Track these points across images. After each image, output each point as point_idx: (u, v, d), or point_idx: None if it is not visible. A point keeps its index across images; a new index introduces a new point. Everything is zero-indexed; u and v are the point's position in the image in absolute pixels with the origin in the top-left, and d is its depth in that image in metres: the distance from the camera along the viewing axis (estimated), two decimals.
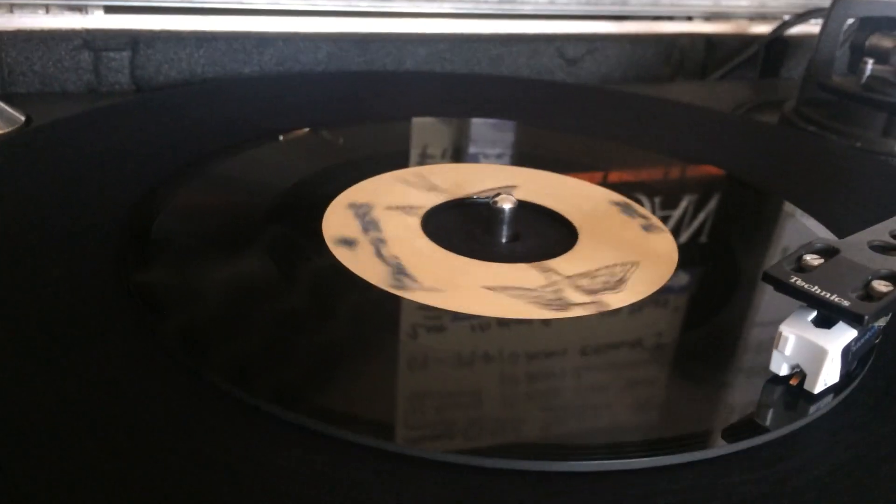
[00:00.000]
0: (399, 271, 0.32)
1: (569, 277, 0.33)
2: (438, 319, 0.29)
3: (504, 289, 0.32)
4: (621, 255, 0.35)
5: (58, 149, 0.41)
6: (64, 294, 0.29)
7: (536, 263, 0.34)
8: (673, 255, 0.36)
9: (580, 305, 0.31)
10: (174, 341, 0.26)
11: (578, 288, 0.32)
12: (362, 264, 0.32)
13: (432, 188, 0.40)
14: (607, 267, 0.34)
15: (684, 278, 0.34)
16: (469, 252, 0.34)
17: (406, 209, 0.38)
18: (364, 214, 0.36)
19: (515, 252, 0.36)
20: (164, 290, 0.30)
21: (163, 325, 0.27)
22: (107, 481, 0.20)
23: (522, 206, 0.38)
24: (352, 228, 0.35)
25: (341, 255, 0.33)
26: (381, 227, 0.36)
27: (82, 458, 0.21)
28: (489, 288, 0.32)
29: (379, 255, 0.33)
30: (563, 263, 0.34)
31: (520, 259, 0.34)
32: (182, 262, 0.32)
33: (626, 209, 0.41)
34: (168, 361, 0.25)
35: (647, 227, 0.39)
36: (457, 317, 0.30)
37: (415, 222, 0.37)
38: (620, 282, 0.33)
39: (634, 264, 0.35)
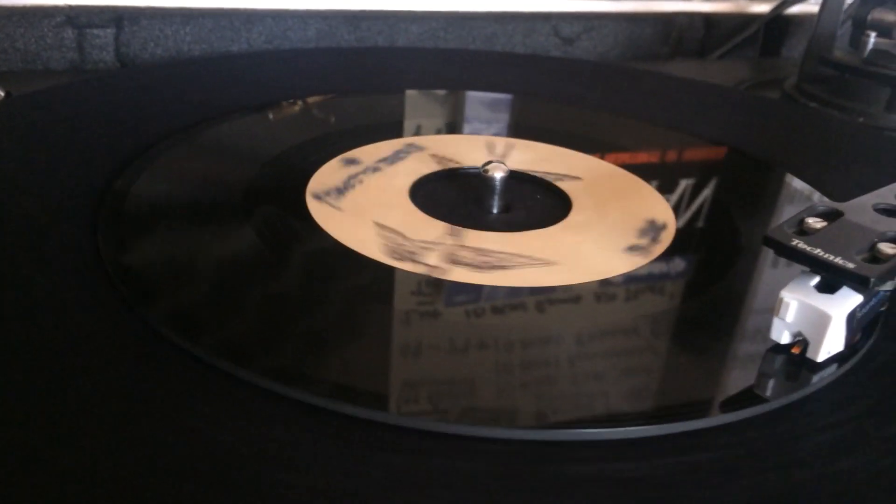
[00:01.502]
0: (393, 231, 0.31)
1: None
2: (477, 295, 0.29)
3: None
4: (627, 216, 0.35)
5: (36, 121, 0.40)
6: (39, 269, 0.27)
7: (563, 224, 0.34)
8: (667, 214, 0.36)
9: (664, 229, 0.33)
10: (164, 320, 0.25)
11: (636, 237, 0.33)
12: (347, 229, 0.31)
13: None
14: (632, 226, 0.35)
15: (684, 248, 0.33)
16: (456, 219, 0.34)
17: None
18: (351, 167, 0.35)
19: (525, 219, 0.35)
20: (147, 267, 0.28)
21: (151, 305, 0.26)
22: (97, 469, 0.19)
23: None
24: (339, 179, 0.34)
25: (325, 210, 0.32)
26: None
27: (68, 445, 0.20)
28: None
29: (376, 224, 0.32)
30: (586, 222, 0.34)
31: (537, 225, 0.34)
32: (162, 238, 0.31)
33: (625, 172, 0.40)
34: (159, 342, 0.24)
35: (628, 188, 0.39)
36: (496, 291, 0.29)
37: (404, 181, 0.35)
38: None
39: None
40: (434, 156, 0.40)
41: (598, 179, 0.39)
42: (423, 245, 0.31)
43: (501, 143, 0.43)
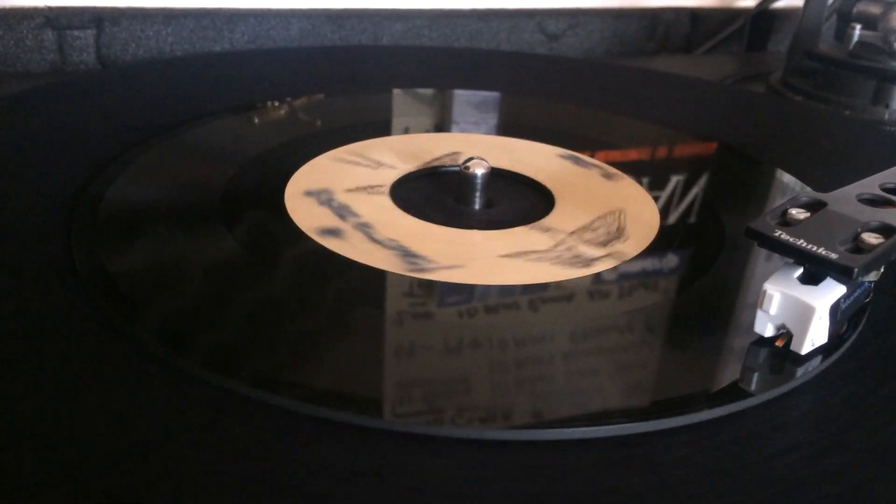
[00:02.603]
0: (406, 253, 0.30)
1: (572, 234, 0.32)
2: (470, 295, 0.28)
3: (520, 254, 0.30)
4: (603, 206, 0.35)
5: (15, 124, 0.39)
6: (11, 278, 0.27)
7: (533, 225, 0.33)
8: (650, 204, 0.35)
9: (600, 259, 0.30)
10: (144, 331, 0.24)
11: (587, 242, 0.32)
12: (363, 252, 0.30)
13: (378, 164, 0.38)
14: (599, 218, 0.34)
15: (669, 244, 0.32)
16: (458, 223, 0.33)
17: (367, 189, 0.35)
18: (329, 201, 0.34)
19: (502, 217, 0.34)
20: (123, 272, 0.28)
21: (128, 316, 0.25)
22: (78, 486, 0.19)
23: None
24: (327, 217, 0.32)
25: (333, 245, 0.30)
26: (356, 210, 0.33)
27: (44, 463, 0.19)
28: (507, 256, 0.30)
29: (373, 240, 0.31)
30: (557, 221, 0.33)
31: (511, 223, 0.33)
32: (138, 244, 0.30)
33: (577, 161, 0.40)
34: (140, 353, 0.23)
35: (608, 176, 0.39)
36: (488, 290, 0.28)
37: (386, 200, 0.34)
38: (620, 230, 0.33)
39: (621, 211, 0.34)
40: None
41: (602, 193, 0.37)
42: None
43: (447, 139, 0.43)
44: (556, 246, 0.31)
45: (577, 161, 0.40)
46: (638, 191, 0.37)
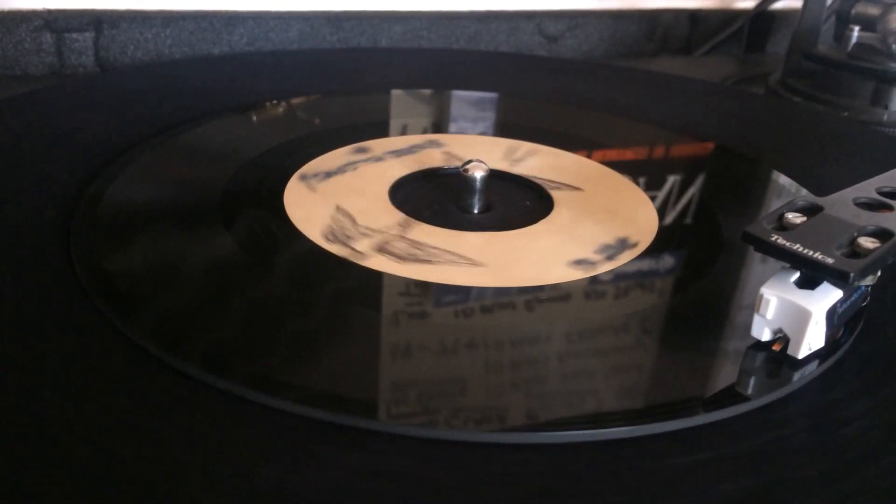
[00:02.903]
0: (470, 262, 0.30)
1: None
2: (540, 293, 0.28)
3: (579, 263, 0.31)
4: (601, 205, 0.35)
5: (14, 126, 0.39)
6: (11, 278, 0.27)
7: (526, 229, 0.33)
8: (647, 205, 0.36)
9: (631, 248, 0.32)
10: (141, 331, 0.24)
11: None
12: (411, 269, 0.29)
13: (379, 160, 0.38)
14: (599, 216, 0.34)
15: (667, 246, 0.32)
16: (476, 226, 0.33)
17: (372, 196, 0.35)
18: (339, 209, 0.33)
19: (496, 222, 0.34)
20: (122, 274, 0.28)
21: (126, 315, 0.25)
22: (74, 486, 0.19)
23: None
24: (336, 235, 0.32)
25: (380, 265, 0.29)
26: (373, 226, 0.32)
27: (41, 462, 0.19)
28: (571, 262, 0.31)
29: (415, 257, 0.30)
30: (549, 231, 0.34)
31: (502, 227, 0.33)
32: (136, 245, 0.30)
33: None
34: (137, 353, 0.23)
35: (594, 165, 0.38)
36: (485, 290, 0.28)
37: (395, 211, 0.34)
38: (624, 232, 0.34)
39: (617, 211, 0.35)
40: (447, 154, 0.40)
41: (599, 190, 0.38)
42: (364, 231, 0.31)
43: (524, 147, 0.42)
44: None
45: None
46: (634, 190, 0.38)
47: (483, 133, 0.45)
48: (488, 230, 0.33)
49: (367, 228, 0.31)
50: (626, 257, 0.31)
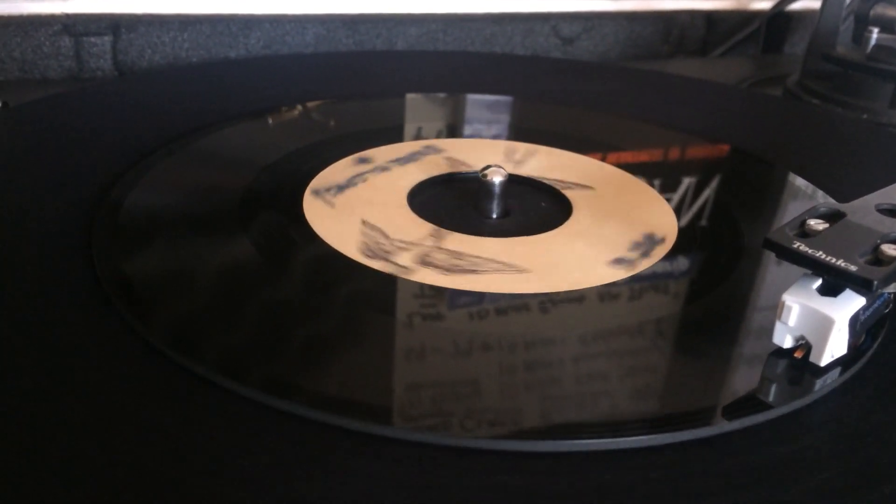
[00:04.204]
0: (511, 268, 0.30)
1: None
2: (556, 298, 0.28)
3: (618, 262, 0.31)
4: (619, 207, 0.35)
5: (33, 131, 0.40)
6: (33, 282, 0.27)
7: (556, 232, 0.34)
8: (666, 209, 0.36)
9: (661, 244, 0.32)
10: (160, 335, 0.24)
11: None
12: (452, 279, 0.29)
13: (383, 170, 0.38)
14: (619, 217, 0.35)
15: (686, 251, 0.32)
16: (502, 232, 0.33)
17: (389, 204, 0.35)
18: (367, 223, 0.33)
19: (519, 226, 0.34)
20: (144, 280, 0.28)
21: (146, 319, 0.25)
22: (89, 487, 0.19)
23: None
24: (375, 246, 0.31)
25: (422, 276, 0.29)
26: (403, 238, 0.32)
27: (60, 462, 0.20)
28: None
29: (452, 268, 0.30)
30: (580, 232, 0.34)
31: (530, 231, 0.33)
32: (157, 250, 0.30)
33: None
34: (156, 356, 0.24)
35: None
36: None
37: (411, 214, 0.34)
38: (650, 233, 0.34)
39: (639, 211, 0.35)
40: (449, 159, 0.39)
41: (610, 188, 0.38)
42: (400, 245, 0.31)
43: (522, 148, 0.43)
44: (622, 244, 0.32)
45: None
46: (643, 187, 0.38)
47: (497, 136, 0.45)
48: (514, 235, 0.33)
49: (402, 241, 0.31)
50: (659, 253, 0.32)
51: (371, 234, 0.31)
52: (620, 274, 0.30)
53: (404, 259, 0.30)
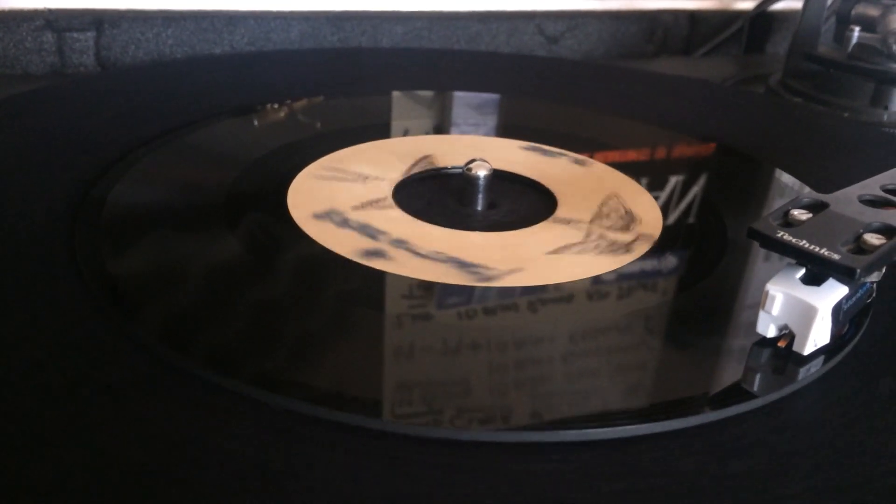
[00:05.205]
0: (461, 265, 0.30)
1: (591, 222, 0.33)
2: (543, 294, 0.28)
3: (563, 249, 0.31)
4: (599, 192, 0.36)
5: (14, 126, 0.39)
6: (14, 279, 0.27)
7: (553, 218, 0.34)
8: (651, 204, 0.36)
9: (634, 242, 0.32)
10: (145, 331, 0.24)
11: (611, 228, 0.33)
12: (419, 270, 0.29)
13: (360, 178, 0.37)
14: (603, 204, 0.35)
15: (671, 245, 0.32)
16: (476, 225, 0.33)
17: (374, 203, 0.35)
18: (346, 221, 0.32)
19: (512, 216, 0.35)
20: (127, 275, 0.28)
21: (130, 315, 0.25)
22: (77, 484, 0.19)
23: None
24: (359, 240, 0.31)
25: (380, 265, 0.29)
26: (379, 227, 0.32)
27: (47, 461, 0.19)
28: (553, 252, 0.31)
29: (418, 255, 0.30)
30: (568, 213, 0.34)
31: (525, 222, 0.34)
32: (141, 246, 0.30)
33: (544, 152, 0.41)
34: (141, 353, 0.23)
35: (579, 162, 0.40)
36: (557, 288, 0.29)
37: (398, 212, 0.34)
38: (629, 213, 0.34)
39: (616, 196, 0.36)
40: (425, 157, 0.39)
41: (583, 178, 0.38)
42: (396, 242, 0.31)
43: (488, 142, 0.43)
44: (587, 237, 0.32)
45: (543, 152, 0.42)
46: (631, 183, 0.38)
47: (486, 134, 0.45)
48: (503, 230, 0.33)
49: (397, 239, 0.31)
50: (646, 239, 0.32)
51: (368, 237, 0.31)
52: (625, 259, 0.31)
53: (404, 257, 0.30)
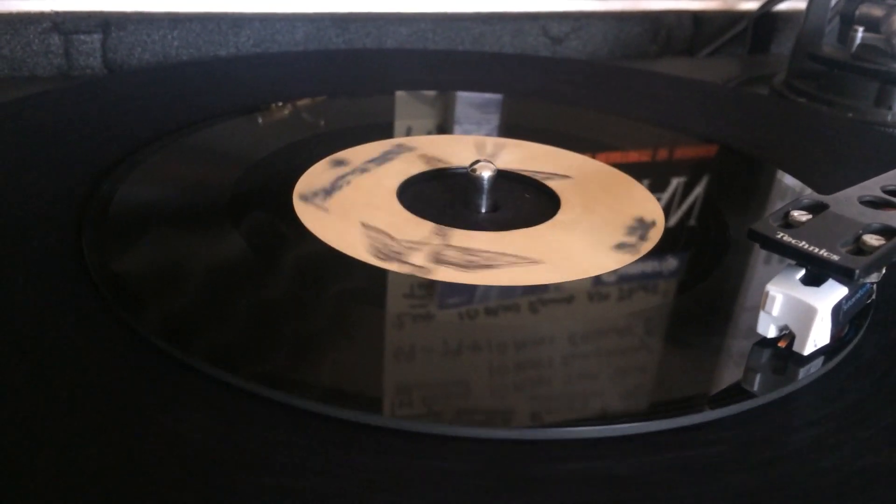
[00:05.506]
0: (526, 260, 0.30)
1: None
2: (545, 294, 0.29)
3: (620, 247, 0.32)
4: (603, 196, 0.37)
5: (22, 127, 0.40)
6: (23, 276, 0.27)
7: (552, 221, 0.34)
8: (654, 205, 0.36)
9: (638, 243, 0.33)
10: (151, 327, 0.25)
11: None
12: (421, 270, 0.29)
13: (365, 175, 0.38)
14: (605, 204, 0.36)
15: (674, 245, 0.33)
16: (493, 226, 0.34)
17: (379, 203, 0.35)
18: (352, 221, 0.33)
19: (513, 218, 0.35)
20: (133, 272, 0.28)
21: (137, 311, 0.25)
22: (81, 478, 0.19)
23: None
24: (364, 239, 0.31)
25: (387, 265, 0.29)
26: (381, 227, 0.32)
27: (51, 454, 0.20)
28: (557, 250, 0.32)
29: (424, 253, 0.30)
30: (570, 213, 0.35)
31: (525, 224, 0.34)
32: (148, 243, 0.30)
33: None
34: (147, 349, 0.24)
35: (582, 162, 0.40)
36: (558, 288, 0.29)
37: (402, 212, 0.34)
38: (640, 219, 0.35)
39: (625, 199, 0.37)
40: (423, 156, 0.40)
41: (588, 177, 0.39)
42: (409, 245, 0.31)
43: (491, 142, 0.43)
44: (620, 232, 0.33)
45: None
46: (616, 173, 0.39)
47: (488, 134, 0.45)
48: (509, 228, 0.33)
49: (409, 242, 0.31)
50: (655, 235, 0.33)
51: (376, 237, 0.31)
52: (628, 258, 0.31)
53: (418, 259, 0.30)
